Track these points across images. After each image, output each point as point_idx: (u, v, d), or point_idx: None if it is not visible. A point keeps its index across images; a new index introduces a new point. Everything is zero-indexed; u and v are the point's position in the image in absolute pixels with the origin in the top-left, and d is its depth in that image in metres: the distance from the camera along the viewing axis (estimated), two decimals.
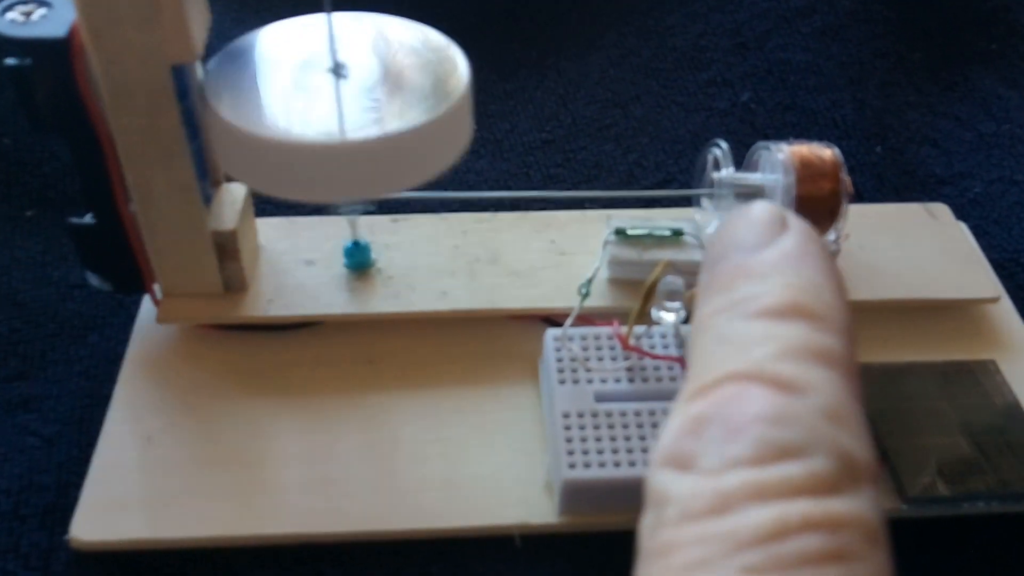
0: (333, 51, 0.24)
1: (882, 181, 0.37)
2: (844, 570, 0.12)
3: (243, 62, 0.24)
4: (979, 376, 0.29)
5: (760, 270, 0.15)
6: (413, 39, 0.25)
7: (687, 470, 0.14)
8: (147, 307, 0.30)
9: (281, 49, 0.25)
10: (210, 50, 0.25)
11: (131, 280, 0.28)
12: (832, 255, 0.16)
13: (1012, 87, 0.41)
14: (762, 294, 0.15)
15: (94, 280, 0.28)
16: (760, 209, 0.16)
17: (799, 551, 0.12)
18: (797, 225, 0.16)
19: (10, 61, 0.23)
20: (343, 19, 0.25)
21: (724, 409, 0.14)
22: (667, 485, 0.14)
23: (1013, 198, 0.36)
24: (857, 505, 0.13)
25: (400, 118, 0.23)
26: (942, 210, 0.33)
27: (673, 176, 0.37)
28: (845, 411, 0.14)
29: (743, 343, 0.14)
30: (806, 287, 0.15)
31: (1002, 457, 0.26)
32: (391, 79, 0.24)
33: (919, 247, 0.32)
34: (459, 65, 0.24)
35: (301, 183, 0.23)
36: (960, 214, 0.34)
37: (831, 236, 0.29)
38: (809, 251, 0.15)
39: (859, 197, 0.36)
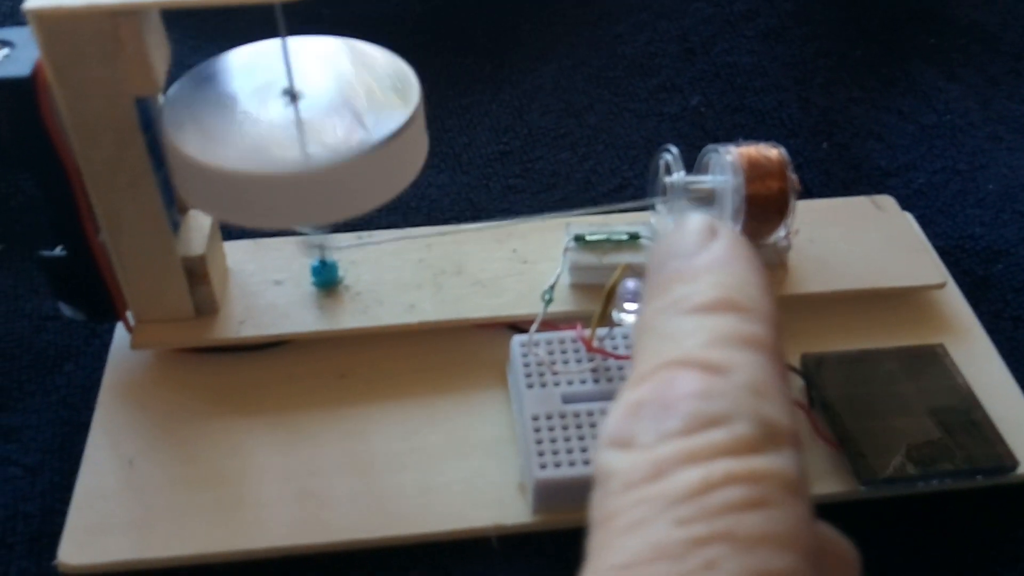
0: (289, 77, 0.25)
1: (829, 176, 0.38)
2: (764, 515, 0.14)
3: (200, 92, 0.25)
4: (930, 360, 0.30)
5: (693, 273, 0.17)
6: (365, 60, 0.26)
7: (628, 448, 0.15)
8: (121, 334, 0.30)
9: (238, 76, 0.26)
10: (169, 79, 0.25)
11: (104, 309, 0.28)
12: (759, 256, 0.17)
13: (951, 80, 0.43)
14: (695, 293, 0.16)
15: (67, 311, 0.29)
16: (693, 221, 0.18)
17: (724, 502, 0.14)
18: (725, 232, 0.18)
19: None
20: (297, 44, 0.26)
21: (658, 392, 0.15)
22: (610, 462, 0.15)
23: (956, 187, 0.38)
24: (776, 462, 0.14)
25: (357, 140, 0.24)
26: (888, 202, 0.35)
27: (628, 181, 0.38)
28: (768, 386, 0.15)
29: (677, 336, 0.16)
30: (733, 284, 0.16)
31: (957, 436, 0.27)
32: (346, 102, 0.25)
33: (867, 238, 0.33)
34: (411, 83, 0.25)
35: (263, 211, 0.24)
36: (905, 205, 0.35)
37: (781, 232, 0.30)
38: (736, 254, 0.17)
39: (807, 193, 0.37)
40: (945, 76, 0.43)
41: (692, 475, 0.14)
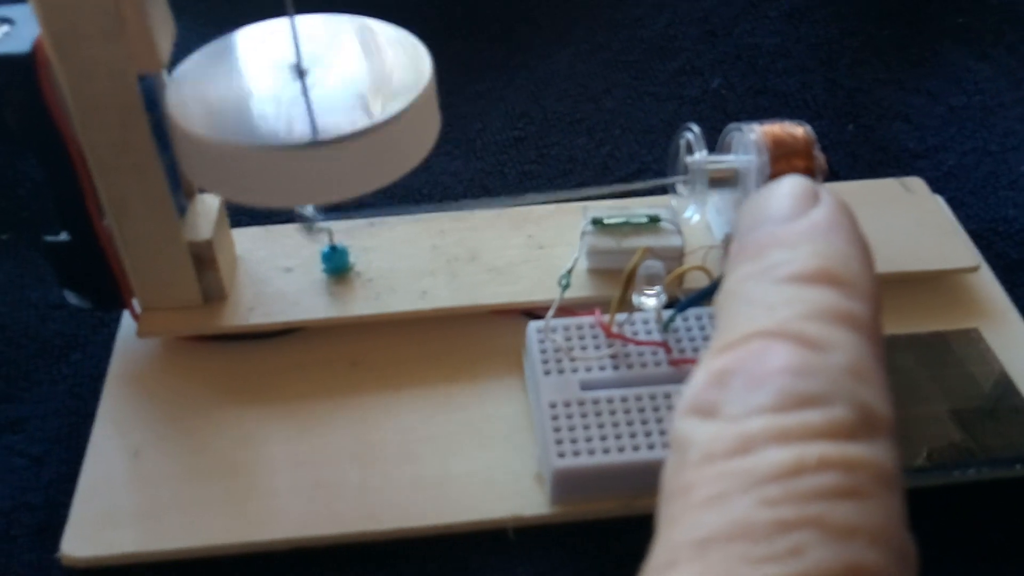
0: (297, 54, 0.24)
1: (856, 159, 0.37)
2: (856, 506, 0.13)
3: (205, 70, 0.24)
4: (964, 345, 0.29)
5: (790, 239, 0.16)
6: (375, 37, 0.25)
7: (711, 417, 0.14)
8: (128, 323, 0.30)
9: (245, 55, 0.25)
10: (177, 64, 0.25)
11: (110, 296, 0.28)
12: (862, 229, 0.16)
13: (982, 59, 0.42)
14: (791, 260, 0.15)
15: (73, 298, 0.28)
16: (792, 182, 0.17)
17: (814, 487, 0.13)
18: (828, 199, 0.17)
19: None
20: (306, 21, 0.25)
21: (748, 362, 0.14)
22: (690, 431, 0.14)
23: (987, 168, 0.37)
24: (873, 451, 0.13)
25: (366, 116, 0.23)
26: (918, 184, 0.33)
27: (647, 165, 0.37)
28: (867, 369, 0.14)
29: (770, 304, 0.15)
30: (834, 255, 0.15)
31: (992, 423, 0.26)
32: (355, 78, 0.24)
33: (896, 221, 0.32)
34: (422, 60, 0.24)
35: (269, 188, 0.23)
36: (936, 187, 0.34)
37: None
38: (839, 223, 0.16)
39: (834, 175, 0.36)
40: (975, 56, 0.42)
41: (783, 455, 0.13)
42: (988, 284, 0.31)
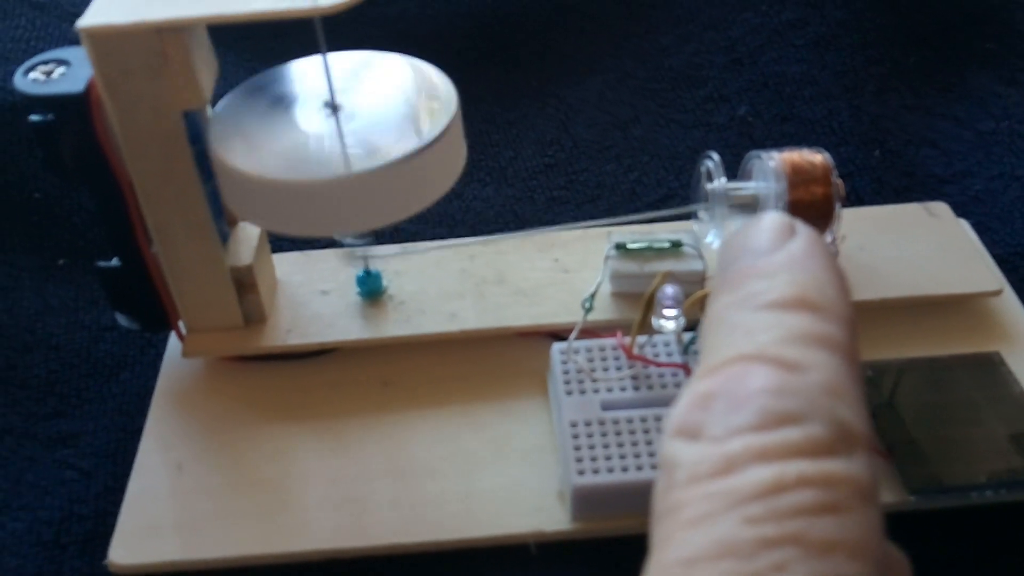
0: (330, 90, 0.25)
1: (882, 184, 0.38)
2: (836, 521, 0.13)
3: (245, 106, 0.26)
4: (985, 368, 0.29)
5: (769, 270, 0.17)
6: (406, 73, 0.27)
7: (695, 439, 0.15)
8: (174, 344, 0.31)
9: (282, 90, 0.26)
10: (222, 98, 0.26)
11: (157, 318, 0.29)
12: (835, 258, 0.17)
13: (1010, 84, 0.42)
14: (769, 289, 0.16)
15: (123, 320, 0.30)
16: (770, 218, 0.18)
17: (795, 504, 0.13)
18: (804, 231, 0.18)
19: (34, 117, 0.25)
20: (340, 58, 0.27)
21: (730, 385, 0.15)
22: (677, 452, 0.15)
23: (1014, 193, 0.37)
24: (850, 466, 0.14)
25: (395, 149, 0.24)
26: (942, 208, 0.34)
27: (674, 192, 0.38)
28: (843, 388, 0.15)
29: (750, 330, 0.16)
30: (811, 283, 0.16)
31: (1013, 445, 0.26)
32: (385, 112, 0.25)
33: (919, 245, 0.32)
34: (448, 95, 0.26)
35: (305, 219, 0.24)
36: (961, 212, 0.34)
37: (827, 239, 0.30)
38: (814, 253, 0.17)
39: (859, 201, 0.36)
40: (1004, 81, 0.42)
41: (764, 473, 0.14)
42: (1012, 308, 0.32)
